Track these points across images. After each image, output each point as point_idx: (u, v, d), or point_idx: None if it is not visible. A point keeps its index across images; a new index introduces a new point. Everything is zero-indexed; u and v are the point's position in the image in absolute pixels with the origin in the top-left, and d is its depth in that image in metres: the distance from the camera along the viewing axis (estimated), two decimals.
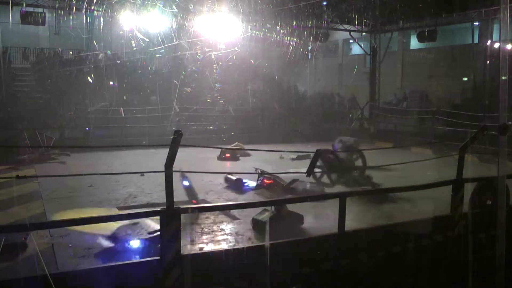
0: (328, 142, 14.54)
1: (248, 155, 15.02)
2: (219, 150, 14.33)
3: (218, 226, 7.40)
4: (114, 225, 6.47)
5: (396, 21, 21.43)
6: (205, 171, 11.99)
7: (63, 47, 23.18)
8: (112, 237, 6.27)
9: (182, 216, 5.32)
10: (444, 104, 20.93)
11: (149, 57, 22.58)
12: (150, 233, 6.29)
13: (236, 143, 15.47)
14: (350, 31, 22.42)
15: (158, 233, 5.45)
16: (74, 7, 16.72)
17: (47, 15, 17.62)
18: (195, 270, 5.27)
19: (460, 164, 7.00)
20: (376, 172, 11.39)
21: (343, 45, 31.99)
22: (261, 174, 10.28)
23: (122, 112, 18.66)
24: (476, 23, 22.23)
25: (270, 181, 9.96)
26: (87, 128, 17.67)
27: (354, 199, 7.89)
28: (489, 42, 21.28)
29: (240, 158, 14.80)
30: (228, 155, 14.46)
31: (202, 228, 7.26)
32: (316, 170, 10.41)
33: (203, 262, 5.55)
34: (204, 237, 6.88)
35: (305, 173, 7.13)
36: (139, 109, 19.36)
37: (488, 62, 20.52)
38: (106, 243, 6.25)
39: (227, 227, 7.43)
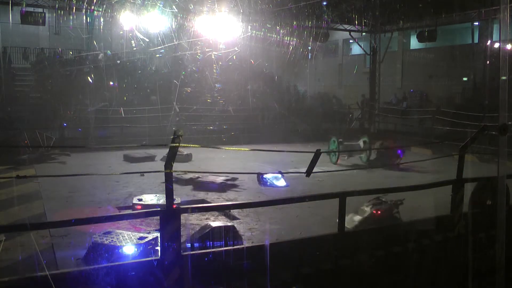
0: (328, 142, 14.59)
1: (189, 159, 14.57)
2: (221, 150, 14.30)
3: None
4: None
5: (396, 21, 21.44)
6: (205, 171, 12.01)
7: (63, 47, 23.19)
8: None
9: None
10: (444, 104, 20.94)
11: (149, 57, 22.59)
12: None
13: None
14: (350, 31, 22.42)
15: None
16: (74, 7, 16.72)
17: (47, 15, 17.62)
18: (195, 270, 5.27)
19: (460, 164, 6.99)
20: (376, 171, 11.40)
21: (343, 45, 31.98)
22: None
23: (122, 112, 18.66)
24: (476, 23, 22.23)
25: None
26: (79, 129, 17.65)
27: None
28: (489, 42, 21.28)
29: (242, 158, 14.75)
30: None
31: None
32: (315, 170, 10.40)
33: (203, 262, 5.55)
34: None
35: (304, 173, 7.11)
36: (139, 109, 19.36)
37: (488, 62, 20.52)
38: None
39: None
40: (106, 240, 5.95)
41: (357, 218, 7.34)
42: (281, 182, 10.64)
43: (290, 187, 10.47)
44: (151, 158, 14.15)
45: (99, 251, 5.76)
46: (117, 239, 5.99)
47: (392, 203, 7.60)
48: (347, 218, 6.89)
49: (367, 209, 7.47)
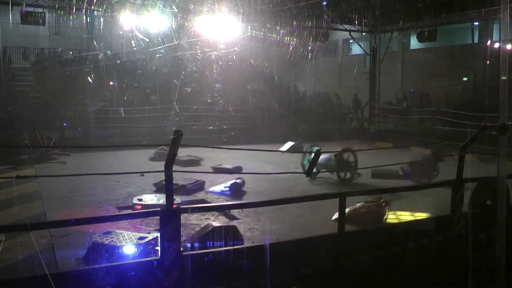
0: (328, 142, 14.56)
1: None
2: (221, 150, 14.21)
3: None
4: None
5: (396, 21, 21.45)
6: (205, 171, 12.00)
7: (63, 47, 23.20)
8: None
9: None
10: (444, 104, 20.95)
11: (149, 57, 22.60)
12: None
13: None
14: (350, 31, 22.43)
15: None
16: (74, 7, 16.73)
17: (47, 15, 17.63)
18: (195, 270, 5.27)
19: (460, 164, 7.00)
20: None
21: (343, 45, 32.01)
22: None
23: (122, 112, 18.66)
24: (476, 23, 22.25)
25: None
26: (79, 129, 17.66)
27: None
28: (489, 42, 21.29)
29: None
30: None
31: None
32: (315, 170, 10.40)
33: (203, 262, 5.55)
34: None
35: (304, 173, 7.13)
36: (139, 109, 19.36)
37: (488, 62, 20.53)
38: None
39: None
40: (106, 240, 5.95)
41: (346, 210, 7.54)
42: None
43: (290, 187, 10.44)
44: (197, 162, 13.74)
45: (99, 251, 5.76)
46: (117, 239, 6.00)
47: (380, 200, 7.92)
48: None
49: (358, 205, 7.72)
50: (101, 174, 9.86)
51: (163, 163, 5.21)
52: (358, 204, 7.80)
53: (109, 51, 22.30)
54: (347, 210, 7.37)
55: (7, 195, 9.06)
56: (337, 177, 11.06)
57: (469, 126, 14.20)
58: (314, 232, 6.88)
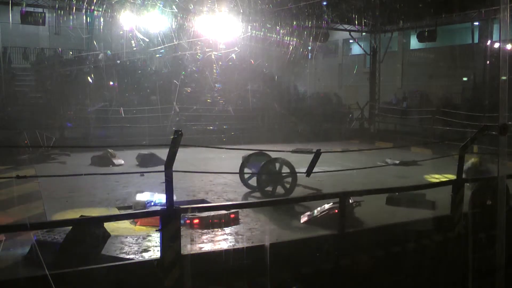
0: (328, 142, 14.56)
1: None
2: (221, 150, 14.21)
3: None
4: None
5: (396, 21, 21.44)
6: (205, 171, 12.00)
7: (63, 47, 23.19)
8: None
9: None
10: (444, 104, 20.94)
11: (149, 57, 22.59)
12: None
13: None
14: (350, 31, 22.42)
15: None
16: (74, 7, 16.72)
17: (47, 15, 17.61)
18: (195, 270, 5.27)
19: (460, 164, 7.00)
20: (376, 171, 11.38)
21: (343, 45, 31.99)
22: None
23: (122, 112, 18.66)
24: (476, 23, 22.24)
25: None
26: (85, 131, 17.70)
27: None
28: (489, 42, 21.28)
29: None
30: None
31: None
32: (315, 170, 10.36)
33: (203, 262, 5.55)
34: (204, 237, 6.87)
35: (305, 173, 7.13)
36: (139, 109, 19.36)
37: (488, 62, 20.52)
38: None
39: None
40: (49, 237, 5.92)
41: (315, 212, 7.42)
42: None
43: None
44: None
45: (42, 248, 5.62)
46: (59, 236, 5.96)
47: (348, 204, 7.49)
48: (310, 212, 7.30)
49: (327, 206, 7.40)
50: (101, 174, 9.86)
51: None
52: (327, 206, 7.40)
53: (109, 51, 22.29)
54: (316, 211, 7.38)
55: (7, 195, 9.06)
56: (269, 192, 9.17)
57: (469, 126, 14.20)
58: (314, 232, 6.89)
